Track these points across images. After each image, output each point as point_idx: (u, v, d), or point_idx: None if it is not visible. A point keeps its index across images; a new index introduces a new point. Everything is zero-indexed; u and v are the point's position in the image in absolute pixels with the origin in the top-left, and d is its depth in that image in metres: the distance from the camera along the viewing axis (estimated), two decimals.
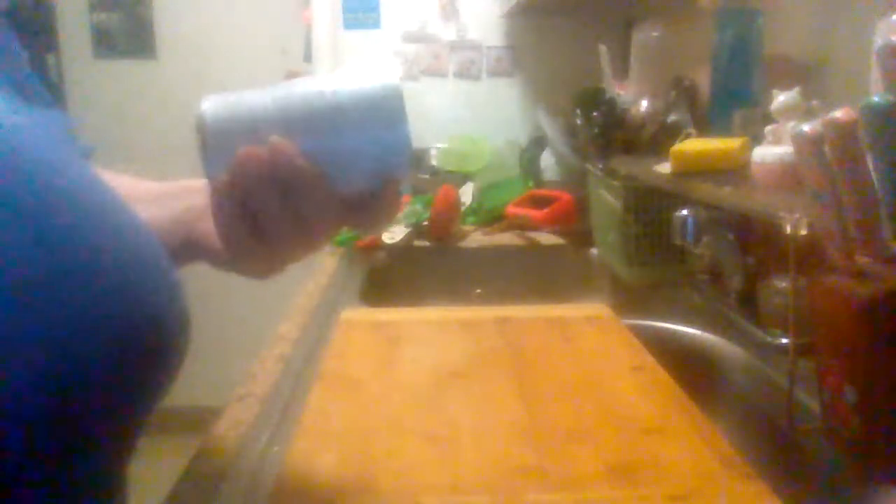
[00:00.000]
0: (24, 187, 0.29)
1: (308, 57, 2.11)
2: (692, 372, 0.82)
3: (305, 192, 0.41)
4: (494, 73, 2.11)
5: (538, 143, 1.80)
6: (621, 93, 1.36)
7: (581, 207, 1.48)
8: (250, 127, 0.41)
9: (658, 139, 1.17)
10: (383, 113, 0.41)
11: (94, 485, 0.32)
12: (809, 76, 0.92)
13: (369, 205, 0.44)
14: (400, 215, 1.52)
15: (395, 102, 0.42)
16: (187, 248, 0.49)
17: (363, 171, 0.42)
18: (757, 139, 0.81)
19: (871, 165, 0.47)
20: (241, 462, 0.63)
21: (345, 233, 1.46)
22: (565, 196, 1.56)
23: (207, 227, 0.47)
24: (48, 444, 0.28)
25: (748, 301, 0.93)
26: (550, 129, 1.73)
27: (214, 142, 0.40)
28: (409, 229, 1.50)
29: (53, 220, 0.29)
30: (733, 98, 0.96)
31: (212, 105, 0.41)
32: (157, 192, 0.51)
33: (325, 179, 0.41)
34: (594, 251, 1.39)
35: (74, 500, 0.31)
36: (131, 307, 0.31)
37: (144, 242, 0.34)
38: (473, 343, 0.86)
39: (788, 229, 0.61)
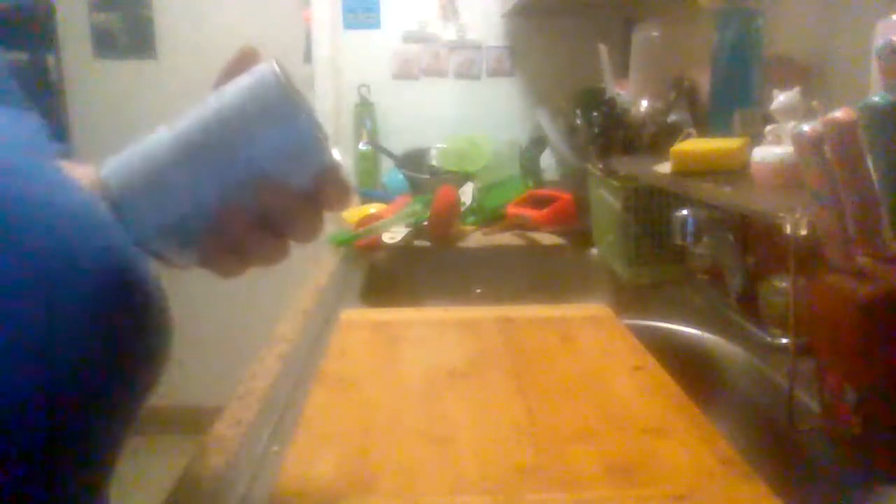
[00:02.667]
0: None
1: (308, 57, 2.11)
2: (692, 372, 0.82)
3: (285, 215, 0.41)
4: (494, 73, 2.11)
5: (538, 143, 1.80)
6: (621, 93, 1.36)
7: (581, 207, 1.48)
8: (154, 173, 0.40)
9: (658, 139, 1.17)
10: (269, 97, 0.40)
11: (76, 488, 0.32)
12: (809, 76, 0.92)
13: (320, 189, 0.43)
14: (400, 215, 1.52)
15: (271, 86, 0.41)
16: None
17: (286, 161, 0.41)
18: (757, 139, 0.81)
19: (871, 165, 0.47)
20: (241, 462, 0.63)
21: (341, 234, 1.46)
22: (565, 196, 1.56)
23: None
24: (27, 450, 0.28)
25: (748, 301, 0.93)
26: (550, 129, 1.73)
27: (124, 201, 0.39)
28: (409, 229, 1.50)
29: (18, 224, 0.29)
30: (733, 98, 0.96)
31: (112, 167, 0.40)
32: None
33: (296, 193, 0.41)
34: (594, 251, 1.39)
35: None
36: (106, 308, 0.31)
37: (121, 244, 0.34)
38: (473, 343, 0.86)
39: (788, 229, 0.61)
